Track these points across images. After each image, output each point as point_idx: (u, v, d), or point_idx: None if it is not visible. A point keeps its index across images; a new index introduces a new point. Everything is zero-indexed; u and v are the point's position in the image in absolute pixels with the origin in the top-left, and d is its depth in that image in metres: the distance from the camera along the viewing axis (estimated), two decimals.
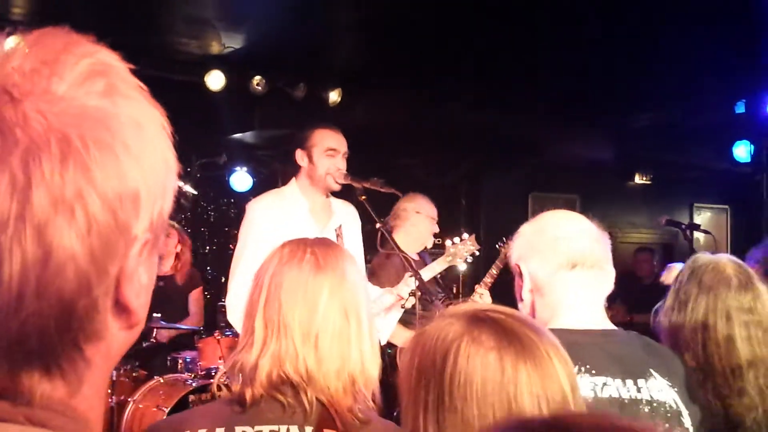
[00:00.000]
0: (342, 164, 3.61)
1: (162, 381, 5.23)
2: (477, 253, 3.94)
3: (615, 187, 9.43)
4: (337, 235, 3.66)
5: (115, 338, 0.63)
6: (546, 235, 1.89)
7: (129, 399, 5.19)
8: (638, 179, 9.47)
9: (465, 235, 3.90)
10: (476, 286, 4.16)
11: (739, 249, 9.76)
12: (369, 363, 1.57)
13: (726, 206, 10.27)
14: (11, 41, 0.60)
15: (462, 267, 3.97)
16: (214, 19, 5.28)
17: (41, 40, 0.60)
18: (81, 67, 0.59)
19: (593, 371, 1.71)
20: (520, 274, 1.91)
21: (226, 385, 1.58)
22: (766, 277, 3.10)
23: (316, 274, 1.56)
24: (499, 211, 8.31)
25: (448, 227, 8.10)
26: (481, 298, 4.05)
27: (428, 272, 3.69)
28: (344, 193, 3.73)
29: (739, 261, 2.25)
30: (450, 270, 7.24)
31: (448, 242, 3.79)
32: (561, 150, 7.94)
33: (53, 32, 0.62)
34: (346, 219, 3.75)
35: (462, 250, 3.82)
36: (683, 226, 5.22)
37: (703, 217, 10.19)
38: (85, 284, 0.57)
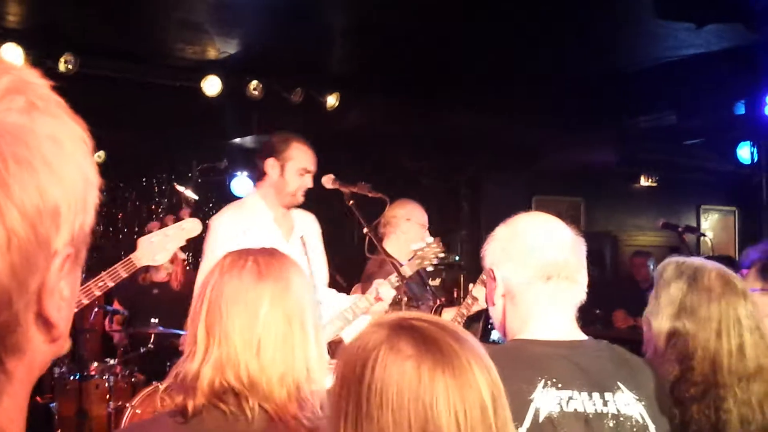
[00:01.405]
0: (310, 183, 3.60)
1: (161, 386, 5.23)
2: (442, 255, 3.89)
3: (620, 189, 9.40)
4: (302, 245, 3.63)
5: (38, 351, 0.63)
6: (520, 241, 1.85)
7: (127, 404, 5.19)
8: (644, 181, 9.42)
9: (430, 239, 3.84)
10: (470, 286, 4.14)
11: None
12: (315, 370, 1.56)
13: (733, 208, 10.20)
14: None
15: (430, 269, 3.92)
16: (209, 24, 5.29)
17: None
18: (0, 84, 0.59)
19: (559, 384, 1.69)
20: (493, 279, 1.89)
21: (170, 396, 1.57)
22: (760, 277, 3.06)
23: (257, 282, 1.56)
24: (502, 215, 8.20)
25: (449, 231, 8.12)
26: (477, 295, 4.02)
27: (395, 278, 3.61)
28: (332, 198, 3.72)
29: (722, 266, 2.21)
30: (450, 275, 7.26)
31: (414, 245, 3.74)
32: (564, 153, 7.92)
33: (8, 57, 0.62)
34: (308, 229, 3.73)
35: (428, 252, 3.77)
36: (679, 229, 5.17)
37: (710, 219, 10.13)
38: (5, 299, 0.57)
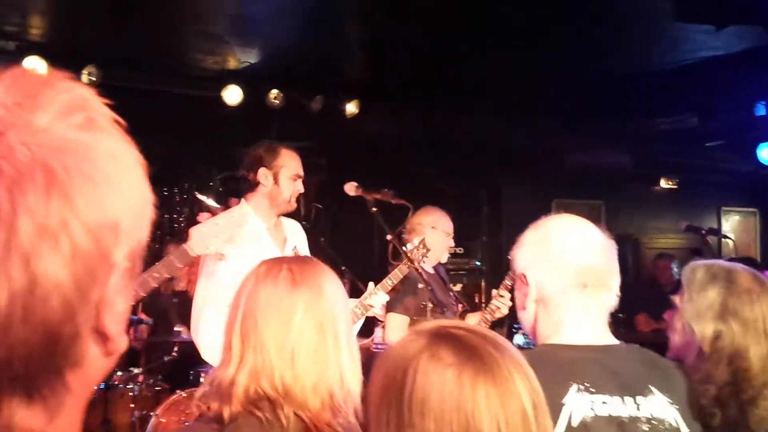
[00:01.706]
0: (302, 188, 3.59)
1: (184, 395, 5.27)
2: (428, 256, 3.88)
3: (640, 192, 9.34)
4: (294, 255, 3.62)
5: (94, 365, 0.64)
6: (554, 246, 1.84)
7: (151, 413, 5.22)
8: (664, 184, 9.37)
9: (415, 241, 3.82)
10: (493, 291, 4.13)
11: None
12: (348, 378, 1.57)
13: (754, 209, 10.12)
14: None
15: (418, 278, 3.88)
16: (229, 34, 5.33)
17: (22, 76, 0.62)
18: (61, 101, 0.61)
19: (592, 389, 1.68)
20: (526, 284, 1.87)
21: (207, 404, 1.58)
22: None
23: (291, 291, 1.57)
24: (522, 220, 8.17)
25: (469, 236, 8.10)
26: (501, 300, 4.02)
27: (390, 281, 3.59)
28: (356, 205, 3.72)
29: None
30: (471, 280, 7.25)
31: (404, 247, 3.73)
32: (584, 157, 7.88)
33: (32, 71, 0.64)
34: (298, 238, 3.72)
35: (417, 254, 3.76)
36: (702, 231, 5.14)
37: (731, 220, 10.05)
38: (69, 311, 0.58)
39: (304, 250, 3.72)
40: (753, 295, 2.06)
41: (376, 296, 3.42)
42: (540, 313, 1.87)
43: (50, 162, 0.57)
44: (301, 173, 3.58)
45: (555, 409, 1.63)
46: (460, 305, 4.23)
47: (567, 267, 1.81)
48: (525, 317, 1.92)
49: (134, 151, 0.66)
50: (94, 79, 5.32)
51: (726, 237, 5.47)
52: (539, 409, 1.10)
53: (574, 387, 1.68)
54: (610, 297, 1.83)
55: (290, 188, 3.53)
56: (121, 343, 0.66)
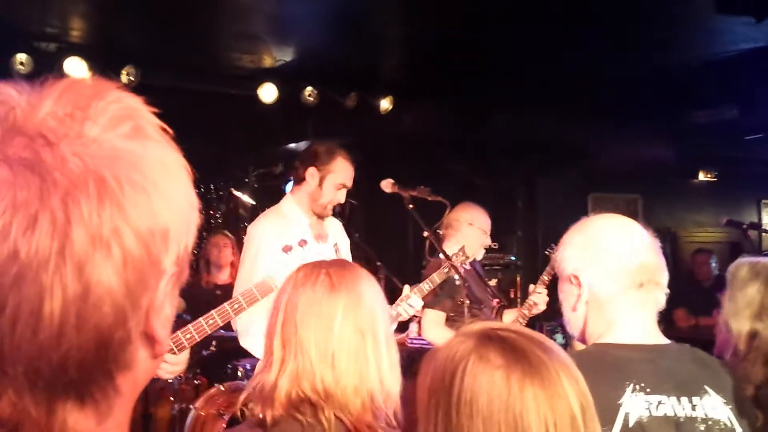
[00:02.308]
0: (343, 198, 3.60)
1: (222, 389, 5.34)
2: (467, 263, 3.91)
3: (678, 185, 9.19)
4: (335, 251, 3.64)
5: (142, 368, 0.66)
6: (606, 247, 1.84)
7: (190, 406, 5.31)
8: (702, 177, 9.22)
9: (455, 248, 3.84)
10: (531, 287, 4.12)
11: None
12: (388, 380, 1.58)
13: None
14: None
15: (456, 277, 3.89)
16: (265, 33, 5.37)
17: (72, 87, 0.63)
18: (110, 111, 0.62)
19: (648, 389, 1.69)
20: (578, 285, 1.86)
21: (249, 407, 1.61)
22: None
23: (330, 294, 1.59)
24: (557, 214, 8.16)
25: (504, 231, 8.06)
26: (539, 296, 4.01)
27: (428, 284, 3.57)
28: (392, 202, 3.73)
29: None
30: (506, 275, 7.22)
31: (441, 255, 3.73)
32: (620, 150, 7.79)
33: (82, 80, 0.66)
34: (340, 237, 3.74)
35: (456, 260, 3.76)
36: (744, 226, 5.05)
37: None
38: (121, 316, 0.60)
39: (345, 249, 3.73)
40: None
41: (411, 300, 3.43)
42: (591, 314, 1.86)
43: (102, 172, 0.59)
44: (348, 184, 3.58)
45: (611, 410, 1.64)
46: (495, 300, 4.22)
47: (623, 267, 1.80)
48: (574, 318, 1.91)
49: (180, 157, 0.67)
50: (132, 79, 5.40)
51: (766, 231, 5.37)
52: (588, 411, 1.11)
53: (629, 387, 1.68)
54: (662, 295, 1.84)
55: (331, 195, 3.54)
56: (167, 346, 0.68)
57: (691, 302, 6.16)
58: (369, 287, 1.66)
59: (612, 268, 1.81)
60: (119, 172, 0.59)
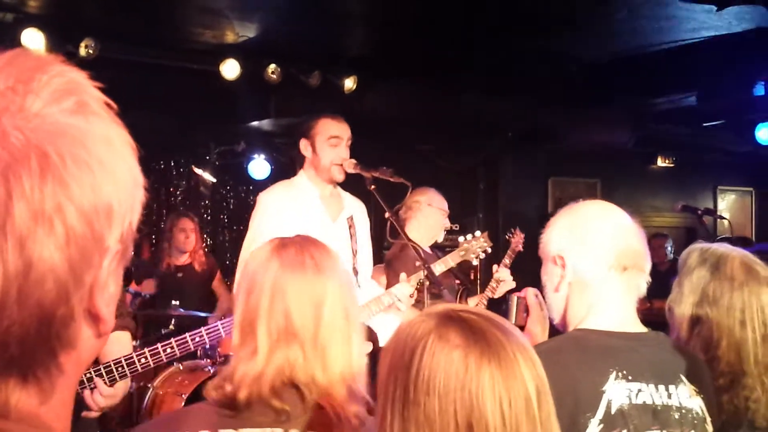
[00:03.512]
0: (345, 153, 3.56)
1: (181, 368, 5.31)
2: (489, 251, 3.97)
3: (637, 170, 9.35)
4: (349, 226, 3.64)
5: (86, 346, 0.66)
6: (596, 229, 1.84)
7: (149, 385, 5.27)
8: (660, 162, 9.37)
9: (478, 233, 3.92)
10: (494, 267, 4.17)
11: (763, 232, 9.68)
12: (360, 362, 1.56)
13: (750, 189, 10.14)
14: None
15: (475, 263, 3.98)
16: (228, 8, 5.29)
17: (15, 60, 0.62)
18: (54, 85, 0.61)
19: (629, 377, 1.71)
20: (562, 266, 1.87)
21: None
22: None
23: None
24: (518, 195, 8.27)
25: (466, 212, 8.12)
26: (503, 273, 4.07)
27: (441, 265, 3.68)
28: (354, 183, 3.72)
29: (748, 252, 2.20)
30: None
31: (461, 238, 3.81)
32: (580, 134, 7.88)
33: (25, 52, 0.63)
34: (357, 213, 3.73)
35: (475, 245, 3.83)
36: (699, 212, 5.15)
37: (727, 199, 10.08)
38: (63, 293, 0.59)
39: (362, 229, 3.72)
40: (735, 282, 2.04)
41: (401, 287, 3.46)
42: (573, 296, 1.87)
43: (45, 147, 0.57)
44: (339, 134, 3.56)
45: (595, 397, 1.66)
46: (457, 282, 4.26)
47: (608, 249, 1.81)
48: (556, 300, 1.92)
49: (125, 134, 0.66)
50: (92, 51, 5.27)
51: (721, 217, 5.48)
52: (543, 395, 1.12)
53: (612, 374, 1.70)
54: (643, 282, 1.85)
55: (329, 154, 3.54)
56: (111, 324, 0.67)
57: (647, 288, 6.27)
58: (344, 268, 1.63)
59: (597, 249, 1.82)
60: (62, 148, 0.58)
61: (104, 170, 0.61)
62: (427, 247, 4.20)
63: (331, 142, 3.54)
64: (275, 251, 1.57)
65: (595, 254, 1.82)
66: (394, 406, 1.12)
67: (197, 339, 2.82)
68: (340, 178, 3.60)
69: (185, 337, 2.83)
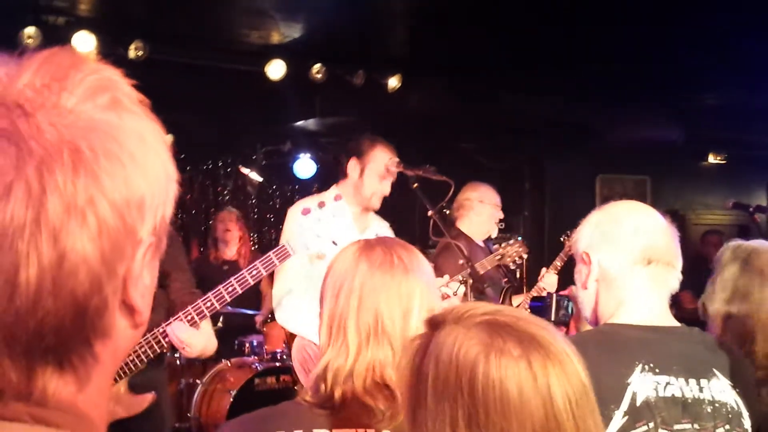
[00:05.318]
0: (388, 189, 3.58)
1: (229, 364, 5.40)
2: (525, 257, 3.95)
3: (687, 167, 9.16)
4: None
5: (122, 336, 0.67)
6: (621, 226, 1.87)
7: (198, 381, 5.37)
8: (712, 159, 9.19)
9: (511, 240, 3.92)
10: (543, 270, 4.13)
11: None
12: None
13: None
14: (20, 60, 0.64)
15: (511, 267, 3.96)
16: (274, 9, 5.35)
17: (51, 58, 0.64)
18: (88, 82, 0.63)
19: (656, 370, 1.71)
20: (588, 262, 1.90)
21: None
22: None
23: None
24: (565, 194, 8.17)
25: (511, 211, 8.05)
26: (548, 279, 4.03)
27: (479, 268, 3.65)
28: (397, 182, 3.73)
29: None
30: None
31: (495, 245, 3.77)
32: (629, 131, 7.75)
33: (61, 51, 0.66)
34: (382, 232, 3.73)
35: (511, 251, 3.81)
36: (750, 209, 5.02)
37: None
38: (96, 283, 0.61)
39: None
40: (765, 276, 2.01)
41: (445, 288, 3.47)
42: (602, 292, 1.89)
43: (77, 142, 0.60)
44: (389, 174, 3.57)
45: (619, 389, 1.67)
46: (504, 280, 4.24)
47: (632, 244, 1.83)
48: (586, 297, 1.94)
49: (158, 129, 0.68)
50: (141, 53, 5.38)
51: None
52: (589, 383, 1.12)
53: (638, 367, 1.70)
54: (674, 276, 1.85)
55: (373, 186, 3.56)
56: (147, 315, 0.69)
57: (698, 285, 6.15)
58: (430, 268, 1.64)
59: (621, 244, 1.84)
60: (95, 143, 0.61)
61: (136, 164, 0.63)
62: (480, 242, 4.21)
63: (381, 175, 3.55)
64: (362, 252, 1.59)
65: (618, 250, 1.84)
66: (456, 428, 1.06)
67: (253, 272, 2.97)
68: (377, 207, 3.63)
69: (242, 273, 2.99)
